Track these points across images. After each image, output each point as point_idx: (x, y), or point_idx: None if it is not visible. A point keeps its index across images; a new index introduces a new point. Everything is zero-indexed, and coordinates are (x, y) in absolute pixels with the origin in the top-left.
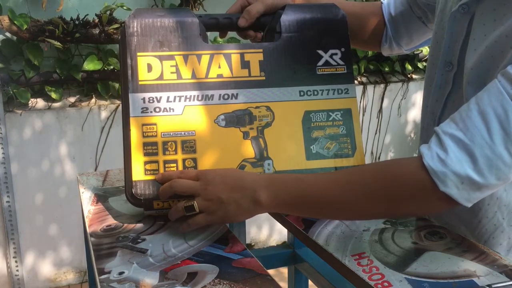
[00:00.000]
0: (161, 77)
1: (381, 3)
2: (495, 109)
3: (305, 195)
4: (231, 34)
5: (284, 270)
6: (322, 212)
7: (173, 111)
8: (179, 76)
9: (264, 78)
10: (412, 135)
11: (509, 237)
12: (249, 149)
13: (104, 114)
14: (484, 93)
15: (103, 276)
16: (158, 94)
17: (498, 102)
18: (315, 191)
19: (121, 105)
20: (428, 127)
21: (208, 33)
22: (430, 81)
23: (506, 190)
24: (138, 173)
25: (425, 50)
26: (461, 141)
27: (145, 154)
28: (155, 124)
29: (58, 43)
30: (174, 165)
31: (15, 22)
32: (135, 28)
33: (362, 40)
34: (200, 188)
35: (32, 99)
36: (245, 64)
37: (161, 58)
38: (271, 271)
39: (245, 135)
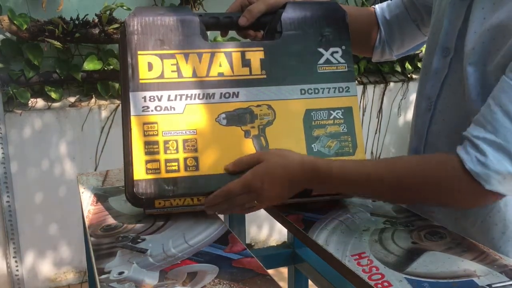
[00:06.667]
0: (161, 76)
1: (374, 8)
2: None
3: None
4: (232, 33)
5: (284, 270)
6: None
7: (174, 109)
8: (180, 75)
9: (265, 76)
10: None
11: (504, 218)
12: (250, 148)
13: (104, 114)
14: (501, 93)
15: (103, 276)
16: (159, 93)
17: None
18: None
19: (121, 104)
20: (424, 112)
21: (208, 33)
22: (426, 70)
23: None
24: (140, 172)
25: None
26: (495, 143)
27: (146, 153)
28: (156, 123)
29: (58, 43)
30: (176, 163)
31: (15, 22)
32: (135, 27)
33: (355, 43)
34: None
35: (32, 99)
36: (246, 63)
37: (161, 57)
38: (271, 271)
39: (246, 134)
